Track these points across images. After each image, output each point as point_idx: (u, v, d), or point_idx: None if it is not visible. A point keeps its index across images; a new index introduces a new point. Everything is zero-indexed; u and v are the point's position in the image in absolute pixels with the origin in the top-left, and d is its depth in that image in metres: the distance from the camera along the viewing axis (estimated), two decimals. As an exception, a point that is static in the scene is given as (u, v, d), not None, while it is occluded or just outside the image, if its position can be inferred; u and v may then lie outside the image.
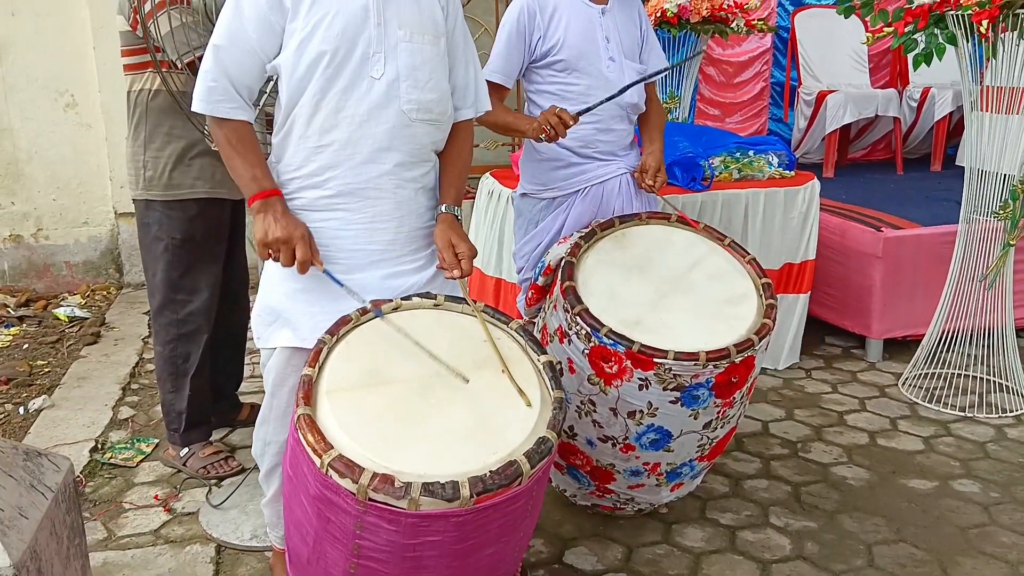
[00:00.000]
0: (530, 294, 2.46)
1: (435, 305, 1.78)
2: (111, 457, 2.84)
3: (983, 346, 3.34)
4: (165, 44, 2.30)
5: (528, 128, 2.34)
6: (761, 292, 2.22)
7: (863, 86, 5.77)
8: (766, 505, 2.59)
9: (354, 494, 1.39)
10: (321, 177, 1.79)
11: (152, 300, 2.70)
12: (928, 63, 3.06)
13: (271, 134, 1.88)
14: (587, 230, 2.35)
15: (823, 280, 3.78)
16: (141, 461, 2.83)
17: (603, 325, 2.05)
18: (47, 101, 4.62)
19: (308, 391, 1.55)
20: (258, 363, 2.06)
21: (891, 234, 3.61)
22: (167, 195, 2.55)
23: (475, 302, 1.79)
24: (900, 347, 3.76)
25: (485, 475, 1.42)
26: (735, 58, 5.81)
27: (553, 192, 2.53)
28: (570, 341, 2.14)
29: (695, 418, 2.12)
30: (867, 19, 3.19)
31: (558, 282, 2.22)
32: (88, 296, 4.74)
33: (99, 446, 2.92)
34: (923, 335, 3.45)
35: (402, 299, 1.76)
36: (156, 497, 2.61)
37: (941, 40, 3.02)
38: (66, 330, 4.13)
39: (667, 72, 2.51)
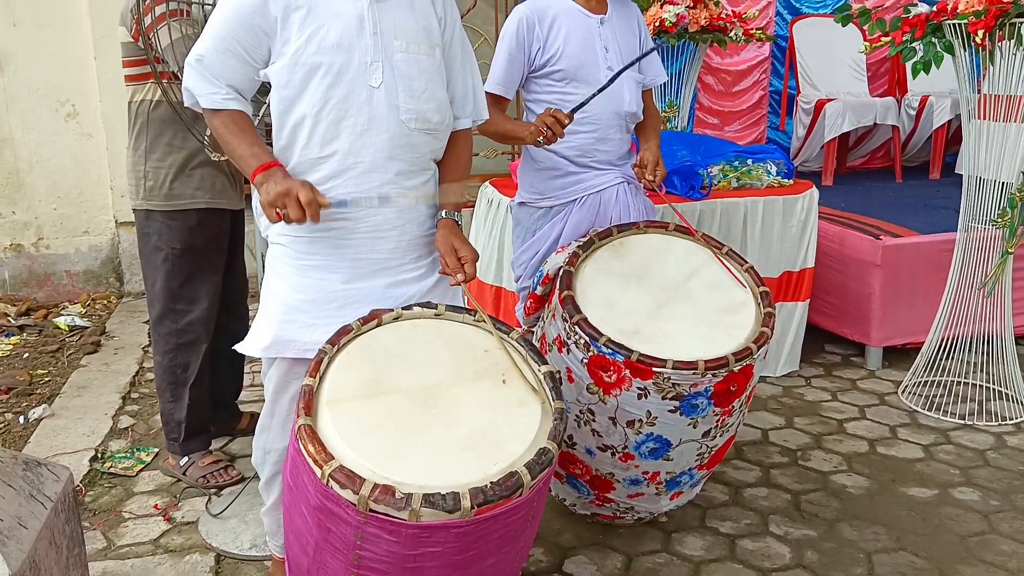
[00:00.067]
0: (528, 303, 2.47)
1: (436, 315, 1.79)
2: (111, 466, 2.85)
3: (982, 354, 3.34)
4: (166, 56, 2.31)
5: (526, 134, 2.35)
6: (759, 300, 2.22)
7: (861, 94, 5.79)
8: (766, 513, 2.59)
9: (355, 505, 1.40)
10: (324, 187, 1.80)
11: (152, 310, 2.70)
12: (927, 71, 3.07)
13: (271, 144, 1.89)
14: (585, 239, 2.35)
15: (822, 288, 3.79)
16: (141, 470, 2.83)
17: (601, 334, 2.06)
18: (48, 111, 4.64)
19: (309, 401, 1.55)
20: (258, 372, 2.07)
21: (890, 242, 3.62)
22: (168, 205, 2.56)
23: (475, 312, 1.79)
24: (899, 355, 3.76)
25: (486, 486, 1.42)
26: (734, 67, 5.83)
27: (551, 201, 2.53)
28: (569, 350, 2.14)
29: (694, 427, 2.12)
30: (865, 28, 3.21)
31: (556, 291, 2.22)
32: (88, 305, 4.75)
33: (99, 455, 2.93)
34: (922, 343, 3.45)
35: (403, 309, 1.77)
36: (156, 506, 2.61)
37: (939, 49, 3.03)
38: (66, 339, 4.13)
39: (654, 51, 2.50)
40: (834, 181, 5.36)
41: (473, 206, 3.63)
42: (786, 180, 3.60)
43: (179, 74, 2.32)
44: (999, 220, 3.11)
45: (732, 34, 4.34)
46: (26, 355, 3.93)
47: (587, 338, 2.07)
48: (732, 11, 4.44)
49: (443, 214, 1.92)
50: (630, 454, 2.18)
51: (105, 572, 2.29)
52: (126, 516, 2.57)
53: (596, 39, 2.44)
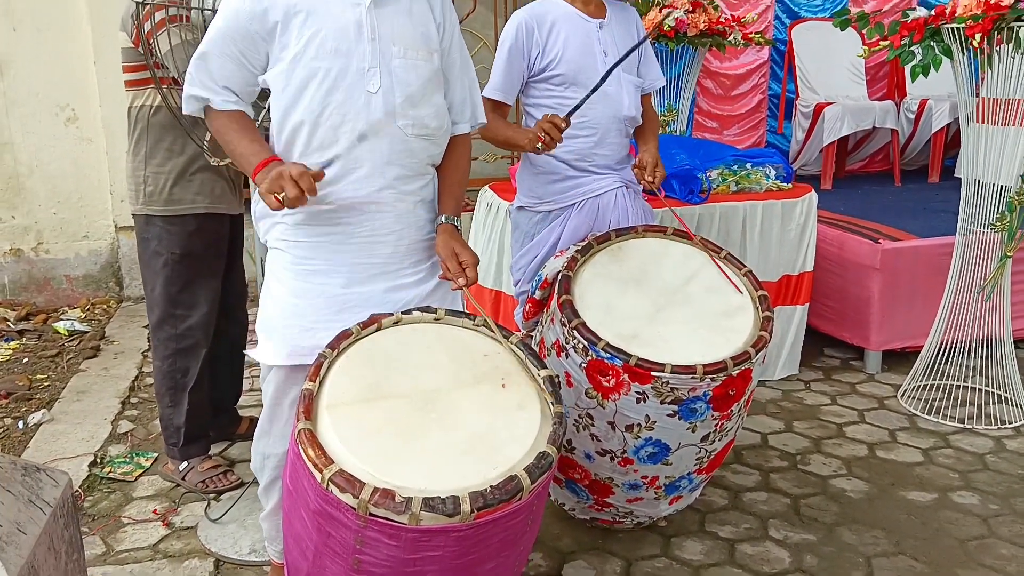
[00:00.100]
0: (527, 307, 2.47)
1: (436, 319, 1.79)
2: (110, 471, 2.84)
3: (982, 357, 3.34)
4: (167, 61, 2.32)
5: (525, 141, 2.35)
6: (758, 304, 2.23)
7: (860, 98, 5.80)
8: (765, 518, 2.59)
9: (355, 509, 1.40)
10: (322, 192, 1.80)
11: (151, 315, 2.70)
12: (926, 75, 3.08)
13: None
14: (583, 243, 2.35)
15: (821, 292, 3.79)
16: (140, 475, 2.83)
17: (600, 339, 2.06)
18: (48, 115, 4.64)
19: (309, 405, 1.55)
20: (257, 376, 2.07)
21: (889, 246, 3.62)
22: (167, 210, 2.57)
23: (475, 317, 1.79)
24: (899, 359, 3.76)
25: (486, 490, 1.42)
26: (733, 71, 5.84)
27: (549, 205, 2.54)
28: (567, 355, 2.14)
29: (693, 431, 2.12)
30: (863, 32, 3.22)
31: (555, 296, 2.23)
32: (88, 310, 4.75)
33: (98, 460, 2.92)
34: (922, 346, 3.45)
35: (403, 313, 1.77)
36: (155, 511, 2.61)
37: (937, 53, 3.04)
38: (66, 344, 4.13)
39: (646, 41, 2.49)
40: (833, 185, 5.36)
41: (472, 210, 3.64)
42: (785, 184, 3.61)
43: (179, 79, 2.33)
44: (998, 223, 3.11)
45: (731, 38, 4.35)
46: (25, 360, 3.93)
47: (586, 342, 2.07)
48: (731, 15, 4.45)
49: (443, 218, 1.92)
50: (629, 458, 2.18)
51: (104, 577, 2.29)
52: (125, 521, 2.56)
53: (595, 43, 2.45)
